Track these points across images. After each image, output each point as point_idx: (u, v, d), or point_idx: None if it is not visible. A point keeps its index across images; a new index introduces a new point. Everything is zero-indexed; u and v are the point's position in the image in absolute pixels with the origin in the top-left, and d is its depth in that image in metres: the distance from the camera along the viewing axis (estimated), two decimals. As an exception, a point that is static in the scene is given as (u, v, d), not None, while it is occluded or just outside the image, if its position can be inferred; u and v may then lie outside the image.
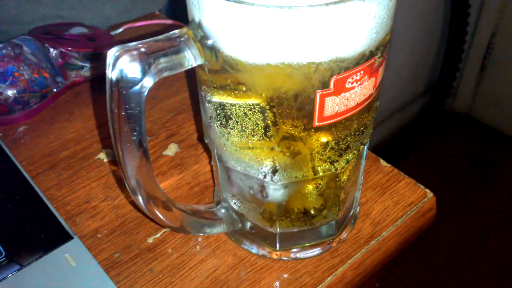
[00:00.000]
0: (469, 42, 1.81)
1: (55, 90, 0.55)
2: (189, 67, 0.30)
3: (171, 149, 0.50)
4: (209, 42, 0.29)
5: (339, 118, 0.31)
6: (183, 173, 0.48)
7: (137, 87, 0.28)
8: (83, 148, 0.51)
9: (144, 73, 0.28)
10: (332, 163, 0.35)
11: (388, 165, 0.48)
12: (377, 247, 0.42)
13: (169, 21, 0.69)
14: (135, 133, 0.30)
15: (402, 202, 0.44)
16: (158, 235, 0.42)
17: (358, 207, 0.44)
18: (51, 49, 0.54)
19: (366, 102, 0.32)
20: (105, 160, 0.49)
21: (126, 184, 0.33)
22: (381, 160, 0.48)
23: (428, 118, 1.92)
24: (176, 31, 0.30)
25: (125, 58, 0.27)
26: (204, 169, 0.48)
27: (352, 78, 0.29)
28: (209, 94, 0.33)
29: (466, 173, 1.74)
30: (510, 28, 1.72)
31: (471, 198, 1.62)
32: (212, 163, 0.44)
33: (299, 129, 0.32)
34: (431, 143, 1.87)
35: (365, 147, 0.38)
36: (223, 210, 0.40)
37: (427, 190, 0.45)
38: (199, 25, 0.29)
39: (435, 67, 1.84)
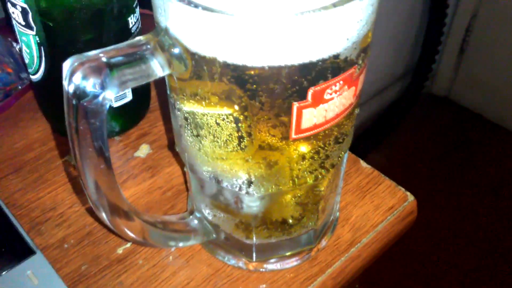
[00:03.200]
0: (448, 25, 1.80)
1: (19, 87, 0.52)
2: (156, 78, 0.27)
3: (143, 150, 0.48)
4: (177, 50, 0.27)
5: (318, 130, 0.29)
6: (155, 176, 0.46)
7: (98, 100, 0.25)
8: (49, 149, 0.48)
9: (104, 86, 0.25)
10: (311, 173, 0.33)
11: (368, 166, 0.46)
12: (357, 254, 0.40)
13: (146, 11, 0.66)
14: (95, 146, 0.28)
15: (383, 206, 0.43)
16: (128, 245, 0.40)
17: (338, 212, 0.42)
18: (14, 44, 0.51)
19: (346, 112, 0.30)
20: (73, 162, 0.47)
21: (88, 198, 0.31)
22: (361, 161, 0.47)
23: (407, 101, 1.91)
24: (141, 37, 0.27)
25: (83, 71, 0.25)
26: (177, 172, 0.46)
27: (331, 89, 0.28)
28: (178, 102, 0.31)
29: (445, 155, 1.74)
30: (489, 11, 1.72)
31: (451, 181, 1.63)
32: (185, 169, 0.42)
33: (276, 140, 0.30)
34: (410, 126, 1.87)
35: (345, 154, 0.36)
36: (196, 221, 0.38)
37: (408, 193, 0.44)
38: (166, 32, 0.27)
39: (414, 50, 1.83)
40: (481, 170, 1.68)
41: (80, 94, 0.25)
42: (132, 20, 0.43)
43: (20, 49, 0.49)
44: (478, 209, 1.54)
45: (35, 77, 0.45)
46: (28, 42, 0.42)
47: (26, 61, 0.45)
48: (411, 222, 0.44)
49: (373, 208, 0.43)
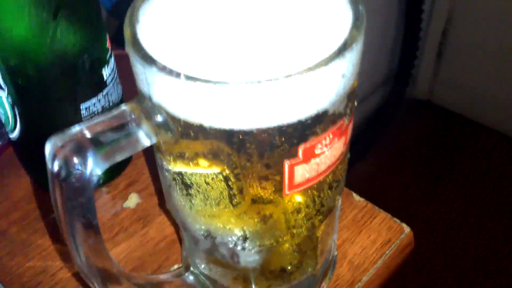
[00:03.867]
0: (424, 29, 1.82)
1: (0, 143, 0.51)
2: (143, 148, 0.27)
3: (132, 200, 0.47)
4: (161, 118, 0.26)
5: (310, 184, 0.29)
6: (146, 227, 0.45)
7: (83, 178, 0.25)
8: (36, 207, 0.47)
9: (90, 164, 0.24)
10: (307, 221, 0.32)
11: (362, 199, 0.46)
12: (358, 294, 0.40)
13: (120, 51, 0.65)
14: (83, 221, 0.27)
15: (379, 241, 0.42)
16: (125, 304, 0.39)
17: (336, 252, 0.41)
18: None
19: (338, 161, 0.30)
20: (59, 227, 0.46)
21: (79, 271, 0.30)
22: (354, 194, 0.46)
23: (390, 107, 1.92)
24: (125, 107, 0.26)
25: (66, 152, 0.24)
26: (169, 220, 0.45)
27: (322, 144, 0.27)
28: (165, 163, 0.30)
29: (432, 158, 1.75)
30: (465, 13, 1.74)
31: (439, 184, 1.63)
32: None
33: (269, 194, 0.29)
34: (396, 132, 1.88)
35: (340, 196, 0.36)
36: (192, 277, 0.37)
37: (403, 225, 0.43)
38: (150, 99, 0.26)
39: (393, 56, 1.84)
40: (467, 168, 1.69)
41: (64, 175, 0.24)
42: (106, 71, 0.42)
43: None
44: (466, 209, 1.55)
45: (13, 136, 0.44)
46: (1, 102, 0.41)
47: (2, 120, 0.44)
48: (409, 254, 0.43)
49: (370, 243, 0.42)
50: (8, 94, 0.40)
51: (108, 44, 0.43)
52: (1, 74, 0.39)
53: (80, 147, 0.24)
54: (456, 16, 1.78)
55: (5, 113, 0.42)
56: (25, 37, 0.37)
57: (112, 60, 0.43)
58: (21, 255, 0.43)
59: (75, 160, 0.24)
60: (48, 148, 0.24)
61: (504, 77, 1.73)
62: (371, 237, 0.43)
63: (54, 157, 0.24)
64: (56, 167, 0.24)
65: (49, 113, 0.42)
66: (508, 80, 1.73)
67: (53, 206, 0.27)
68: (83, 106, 0.42)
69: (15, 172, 0.50)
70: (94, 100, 0.42)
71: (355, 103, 0.29)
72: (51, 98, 0.41)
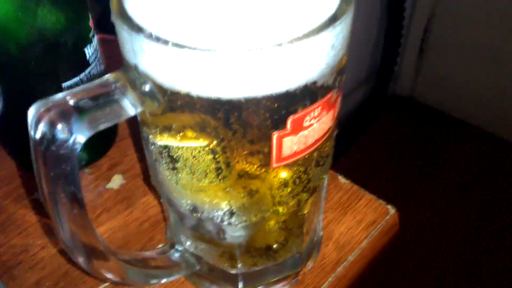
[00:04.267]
0: (406, 27, 1.83)
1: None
2: (128, 117, 0.26)
3: (115, 181, 0.46)
4: (149, 86, 0.26)
5: (298, 157, 0.29)
6: (130, 207, 0.44)
7: (67, 145, 0.24)
8: (16, 187, 0.46)
9: (74, 130, 0.24)
10: (293, 198, 0.32)
11: (347, 181, 0.46)
12: (344, 273, 0.40)
13: (109, 37, 0.64)
14: (67, 192, 0.26)
15: (365, 221, 0.43)
16: (107, 284, 0.39)
17: (321, 232, 0.41)
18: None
19: (326, 136, 0.30)
20: (42, 199, 0.45)
21: (61, 243, 0.29)
22: (339, 177, 0.46)
23: (373, 104, 1.93)
24: (109, 76, 0.26)
25: (49, 118, 0.23)
26: (153, 201, 0.45)
27: (310, 116, 0.27)
28: (151, 136, 0.30)
29: (414, 153, 1.77)
30: (446, 11, 1.76)
31: (421, 178, 1.65)
32: (162, 201, 0.40)
33: (256, 168, 0.29)
34: (378, 128, 1.89)
35: (327, 175, 0.35)
36: (177, 254, 0.36)
37: (389, 206, 0.44)
38: (136, 68, 0.26)
39: (375, 53, 1.85)
40: (449, 165, 1.71)
41: (48, 142, 0.23)
42: (89, 50, 0.42)
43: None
44: (448, 204, 1.57)
45: (-6, 114, 0.43)
46: None
47: None
48: (394, 235, 0.43)
49: (356, 224, 0.42)
50: (-11, 71, 0.39)
51: (91, 23, 0.42)
52: (-18, 53, 0.38)
53: (64, 113, 0.24)
54: (437, 13, 1.79)
55: (-14, 90, 0.41)
56: (7, 14, 0.36)
57: (95, 40, 0.43)
58: (1, 235, 0.42)
59: (59, 126, 0.23)
60: (31, 114, 0.24)
61: (485, 75, 1.75)
62: (356, 218, 0.43)
63: (37, 124, 0.23)
64: (39, 134, 0.23)
65: (31, 92, 0.41)
66: (489, 78, 1.75)
67: (36, 177, 0.26)
68: (65, 85, 0.41)
69: (-5, 152, 0.49)
70: (76, 79, 0.42)
71: (344, 76, 0.29)
72: (33, 76, 0.40)
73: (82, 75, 0.41)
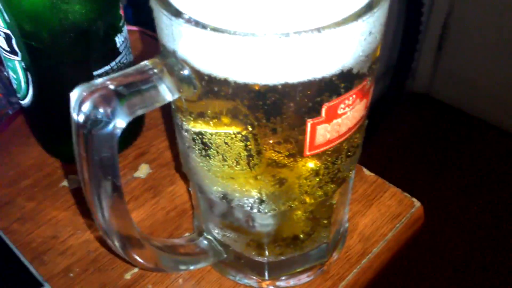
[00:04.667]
0: (425, 23, 1.82)
1: (10, 112, 0.51)
2: (165, 103, 0.26)
3: (142, 171, 0.47)
4: (186, 72, 0.26)
5: (331, 145, 0.29)
6: (157, 196, 0.45)
7: (108, 130, 0.25)
8: (45, 175, 0.47)
9: (115, 114, 0.24)
10: (322, 188, 0.32)
11: (372, 174, 0.46)
12: (368, 265, 0.40)
13: (132, 28, 0.64)
14: (108, 177, 0.27)
15: (390, 214, 0.43)
16: (136, 270, 0.39)
17: (347, 224, 0.42)
18: (3, 68, 0.50)
19: (358, 125, 0.30)
20: (71, 187, 0.46)
21: (99, 229, 0.30)
22: (364, 169, 0.46)
23: (389, 100, 1.93)
24: (148, 62, 0.26)
25: (92, 100, 0.24)
26: (180, 190, 0.45)
27: (344, 104, 0.27)
28: (185, 123, 0.30)
29: (429, 151, 1.76)
30: (464, 7, 1.74)
31: (437, 176, 1.64)
32: (190, 189, 0.41)
33: (287, 157, 0.29)
34: (394, 125, 1.88)
35: (354, 167, 0.36)
36: (205, 242, 0.37)
37: (414, 199, 0.44)
38: (174, 54, 0.26)
39: (393, 49, 1.84)
40: (465, 162, 1.70)
41: (91, 124, 0.24)
42: (119, 39, 0.42)
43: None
44: (464, 202, 1.55)
45: (24, 102, 0.44)
46: (14, 68, 0.41)
47: (14, 86, 0.44)
48: (418, 228, 0.43)
49: (381, 216, 0.42)
50: (21, 59, 0.40)
51: (121, 12, 0.42)
52: (16, 39, 0.39)
53: (106, 97, 0.24)
54: (456, 10, 1.78)
55: (18, 78, 0.42)
56: (40, 2, 0.37)
57: (125, 29, 0.43)
58: (31, 222, 0.43)
59: (101, 109, 0.24)
60: (74, 97, 0.24)
61: (503, 72, 1.74)
62: (381, 210, 0.43)
63: (80, 106, 0.24)
64: (82, 117, 0.24)
65: (61, 79, 0.42)
66: (506, 76, 1.73)
67: (77, 162, 0.26)
68: (96, 73, 0.42)
69: (24, 141, 0.50)
70: (107, 67, 0.42)
71: (377, 67, 0.29)
72: (64, 64, 0.41)
73: (112, 64, 0.42)
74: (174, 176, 0.46)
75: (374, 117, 1.89)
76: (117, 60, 0.43)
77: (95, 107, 0.24)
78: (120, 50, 0.43)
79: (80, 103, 0.24)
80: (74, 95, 0.24)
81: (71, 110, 0.24)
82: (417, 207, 0.43)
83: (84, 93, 0.24)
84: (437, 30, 1.86)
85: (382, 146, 1.77)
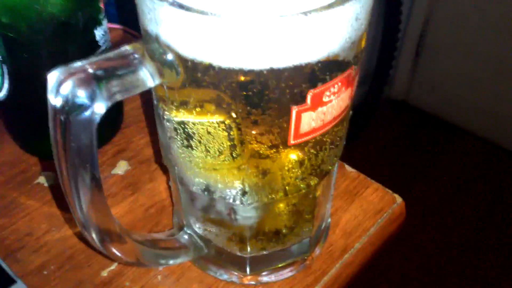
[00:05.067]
0: (403, 31, 1.85)
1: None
2: (147, 88, 0.26)
3: (121, 167, 0.46)
4: (169, 57, 0.26)
5: (316, 134, 0.28)
6: (136, 193, 0.44)
7: (87, 114, 0.24)
8: (19, 172, 0.45)
9: (94, 98, 0.23)
10: (305, 180, 0.32)
11: (354, 170, 0.46)
12: (351, 260, 0.39)
13: (115, 26, 0.63)
14: (85, 166, 0.26)
15: (372, 210, 0.42)
16: (113, 267, 0.38)
17: (329, 219, 0.41)
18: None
19: (343, 114, 0.30)
20: (46, 184, 0.44)
21: (77, 223, 0.29)
22: (346, 166, 0.46)
23: (368, 107, 1.94)
24: (128, 46, 0.26)
25: (70, 82, 0.23)
26: (159, 187, 0.44)
27: (330, 91, 0.27)
28: (167, 113, 0.30)
29: (406, 157, 1.77)
30: (442, 16, 1.77)
31: (411, 183, 1.66)
32: (170, 184, 0.40)
33: (270, 147, 0.29)
34: (372, 131, 1.90)
35: (338, 158, 0.35)
36: (186, 237, 0.36)
37: (396, 195, 0.44)
38: (156, 39, 0.26)
39: (371, 56, 1.86)
40: (441, 169, 1.72)
41: (69, 108, 0.23)
42: (99, 32, 0.41)
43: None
44: (440, 206, 1.57)
45: (-1, 96, 0.42)
46: None
47: None
48: (400, 224, 0.43)
49: (363, 212, 0.42)
50: (-3, 51, 0.39)
51: (101, 4, 0.42)
52: (-8, 32, 0.37)
53: (85, 80, 0.23)
54: (433, 18, 1.81)
55: (-7, 71, 0.40)
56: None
57: (105, 22, 0.42)
58: (4, 219, 0.42)
59: (80, 92, 0.23)
60: (51, 81, 0.23)
61: (479, 80, 1.77)
62: (363, 206, 0.43)
63: (57, 90, 0.23)
64: (59, 101, 0.23)
65: (38, 72, 0.40)
66: (483, 83, 1.76)
67: (53, 150, 0.25)
68: (74, 66, 0.41)
69: (-2, 137, 0.48)
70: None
71: (362, 56, 0.29)
72: (41, 56, 0.39)
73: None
74: (153, 173, 0.45)
75: (352, 123, 1.90)
76: (97, 53, 0.42)
77: (73, 89, 0.23)
78: (100, 44, 0.42)
79: (58, 85, 0.23)
80: (52, 77, 0.23)
81: (48, 93, 0.23)
82: (399, 203, 0.43)
83: (63, 76, 0.23)
84: (415, 37, 1.89)
85: (360, 152, 1.78)
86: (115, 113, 0.49)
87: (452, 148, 1.82)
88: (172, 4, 0.24)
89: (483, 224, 1.52)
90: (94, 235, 0.29)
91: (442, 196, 1.62)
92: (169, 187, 0.43)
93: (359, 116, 1.91)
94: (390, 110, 2.02)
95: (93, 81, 0.23)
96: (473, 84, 1.79)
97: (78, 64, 0.24)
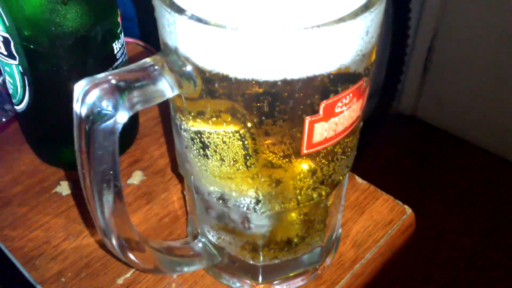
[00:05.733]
0: (411, 45, 1.86)
1: (3, 119, 0.51)
2: (166, 98, 0.27)
3: (136, 177, 0.47)
4: (187, 69, 0.27)
5: (328, 144, 0.29)
6: (150, 203, 0.45)
7: (110, 123, 0.25)
8: (38, 181, 0.47)
9: (117, 107, 0.25)
10: (317, 189, 0.33)
11: (364, 182, 0.46)
12: (361, 271, 0.40)
13: (130, 39, 0.65)
14: (109, 174, 0.27)
15: (382, 221, 0.43)
16: (128, 275, 0.39)
17: (340, 229, 0.42)
18: (-4, 75, 0.50)
19: (354, 125, 0.31)
20: (64, 193, 0.45)
21: (98, 229, 0.30)
22: (356, 177, 0.47)
23: (376, 121, 1.95)
24: (149, 59, 0.27)
25: (95, 92, 0.24)
26: (173, 197, 0.45)
27: (342, 102, 0.28)
28: (184, 123, 0.31)
29: (414, 171, 1.77)
30: (449, 30, 1.78)
31: (420, 197, 1.65)
32: (185, 193, 0.41)
33: (283, 157, 0.30)
34: (380, 145, 1.90)
35: (349, 169, 0.36)
36: (200, 245, 0.37)
37: (406, 207, 0.44)
38: (176, 52, 0.27)
39: (380, 71, 1.87)
40: (449, 182, 1.72)
41: (94, 117, 0.24)
42: (117, 45, 0.43)
43: (4, 80, 0.47)
44: (448, 219, 1.57)
45: (20, 107, 0.44)
46: (11, 72, 0.41)
47: (10, 91, 0.44)
48: (410, 235, 0.44)
49: (373, 223, 0.43)
50: (19, 63, 0.40)
51: (119, 19, 0.43)
52: (14, 43, 0.39)
53: (109, 91, 0.24)
54: (441, 33, 1.82)
55: (14, 82, 0.42)
56: (39, 8, 0.37)
57: (122, 36, 0.44)
58: (23, 227, 0.43)
59: (104, 102, 0.24)
60: (77, 91, 0.24)
61: (487, 94, 1.77)
62: (373, 217, 0.43)
63: (83, 100, 0.24)
64: (84, 110, 0.24)
65: (58, 84, 0.42)
66: (491, 97, 1.76)
67: (76, 158, 0.26)
68: (92, 79, 0.42)
69: (17, 148, 0.50)
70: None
71: (373, 68, 0.30)
72: (61, 68, 0.41)
73: (110, 70, 0.42)
74: (167, 183, 0.46)
75: (361, 136, 1.91)
76: (114, 65, 0.43)
77: (99, 98, 0.24)
78: (118, 56, 0.43)
79: (84, 95, 0.24)
80: (79, 87, 0.24)
81: (74, 102, 0.25)
82: (409, 214, 0.44)
83: (90, 85, 0.24)
84: (423, 52, 1.89)
85: (369, 164, 1.78)
86: (131, 124, 0.50)
87: (460, 162, 1.82)
88: (191, 18, 0.25)
89: (490, 236, 1.52)
90: (114, 242, 0.30)
91: (450, 209, 1.61)
92: (184, 197, 0.44)
93: (368, 130, 1.92)
94: (398, 124, 2.03)
95: (116, 92, 0.25)
96: (481, 98, 1.79)
97: (102, 75, 0.25)
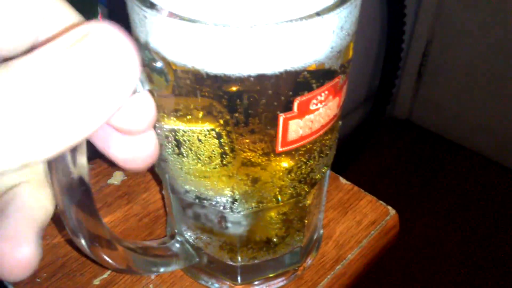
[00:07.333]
0: (406, 50, 1.86)
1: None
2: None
3: (116, 177, 0.46)
4: (159, 64, 0.26)
5: (304, 142, 0.29)
6: (130, 203, 0.44)
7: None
8: (16, 180, 0.46)
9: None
10: (294, 188, 0.32)
11: (348, 182, 0.46)
12: (343, 272, 0.39)
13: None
14: (75, 171, 0.26)
15: (365, 221, 0.43)
16: (105, 276, 0.38)
17: (322, 230, 0.41)
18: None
19: (331, 123, 0.30)
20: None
21: (65, 226, 0.29)
22: (340, 178, 0.46)
23: (370, 125, 1.95)
24: (119, 53, 0.26)
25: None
26: (154, 197, 0.45)
27: (317, 99, 0.27)
28: (158, 120, 0.30)
29: (409, 175, 1.77)
30: (444, 36, 1.78)
31: (415, 202, 1.65)
32: (163, 192, 0.40)
33: (260, 155, 0.29)
34: (375, 150, 1.90)
35: (328, 168, 0.36)
36: (177, 245, 0.36)
37: (389, 207, 0.44)
38: (146, 46, 0.26)
39: (374, 76, 1.87)
40: (444, 187, 1.72)
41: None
42: None
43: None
44: (443, 225, 1.57)
45: None
46: None
47: None
48: (393, 236, 0.43)
49: (356, 223, 0.42)
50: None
51: (99, 17, 0.43)
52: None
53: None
54: (436, 38, 1.82)
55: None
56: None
57: None
58: None
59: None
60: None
61: (482, 99, 1.77)
62: (356, 218, 0.43)
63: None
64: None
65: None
66: (485, 102, 1.77)
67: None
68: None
69: None
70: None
71: (350, 66, 0.30)
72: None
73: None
74: (148, 183, 0.46)
75: (355, 141, 1.91)
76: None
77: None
78: None
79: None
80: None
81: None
82: (392, 215, 0.43)
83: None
84: (417, 57, 1.90)
85: (363, 170, 1.78)
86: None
87: (455, 167, 1.82)
88: (162, 12, 0.24)
89: (485, 242, 1.51)
90: (83, 241, 0.29)
91: (445, 214, 1.61)
92: (163, 195, 0.43)
93: (363, 135, 1.91)
94: (393, 128, 2.03)
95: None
96: (476, 103, 1.79)
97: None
